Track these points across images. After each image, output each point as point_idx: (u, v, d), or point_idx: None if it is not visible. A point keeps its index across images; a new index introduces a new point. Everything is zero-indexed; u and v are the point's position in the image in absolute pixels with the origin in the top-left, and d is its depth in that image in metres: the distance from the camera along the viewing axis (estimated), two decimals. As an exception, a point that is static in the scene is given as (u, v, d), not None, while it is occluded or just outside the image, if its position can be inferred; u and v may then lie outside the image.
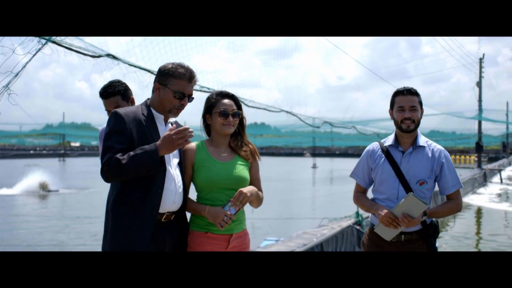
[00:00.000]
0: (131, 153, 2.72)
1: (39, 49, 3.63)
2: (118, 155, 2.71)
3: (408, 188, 3.37)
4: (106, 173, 2.74)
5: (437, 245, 3.49)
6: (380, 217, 3.32)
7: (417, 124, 3.45)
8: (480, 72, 37.05)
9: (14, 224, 16.46)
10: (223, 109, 3.09)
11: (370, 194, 3.65)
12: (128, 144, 2.77)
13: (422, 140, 3.49)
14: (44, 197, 24.67)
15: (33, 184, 26.17)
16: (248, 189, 3.02)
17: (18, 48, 3.55)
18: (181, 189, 2.96)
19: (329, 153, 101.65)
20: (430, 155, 3.44)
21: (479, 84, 36.69)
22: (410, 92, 3.46)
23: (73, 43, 5.17)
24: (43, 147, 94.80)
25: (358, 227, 9.85)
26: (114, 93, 3.64)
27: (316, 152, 77.69)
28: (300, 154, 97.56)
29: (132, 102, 3.67)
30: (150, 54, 7.41)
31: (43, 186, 26.17)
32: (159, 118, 2.94)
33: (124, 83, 3.69)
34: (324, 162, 64.54)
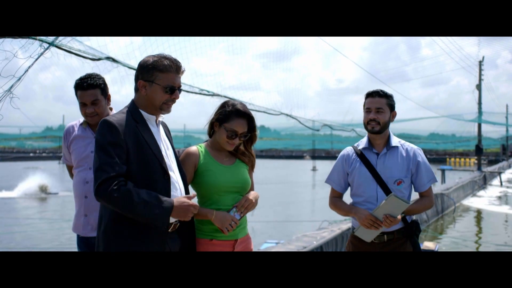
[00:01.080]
0: (145, 196, 2.48)
1: (42, 53, 3.63)
2: (130, 187, 2.47)
3: (386, 189, 3.42)
4: (105, 197, 2.45)
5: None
6: (361, 220, 3.36)
7: (383, 125, 3.48)
8: (480, 74, 37.03)
9: (14, 227, 16.44)
10: (232, 130, 2.99)
11: (347, 199, 3.66)
12: (125, 157, 2.54)
13: (395, 141, 3.55)
14: (43, 200, 24.65)
15: (32, 186, 26.17)
16: (253, 195, 3.03)
17: (19, 51, 3.55)
18: (184, 194, 2.83)
19: (329, 155, 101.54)
20: (404, 154, 3.50)
21: (478, 87, 36.68)
22: (379, 94, 3.51)
23: (73, 46, 5.18)
24: (43, 150, 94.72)
25: (358, 230, 9.84)
26: (94, 85, 3.38)
27: (316, 155, 77.67)
28: (300, 156, 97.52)
29: (108, 99, 3.48)
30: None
31: (43, 189, 26.17)
32: (150, 119, 2.73)
33: (103, 78, 3.47)
34: (324, 165, 64.38)
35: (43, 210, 21.91)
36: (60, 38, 4.00)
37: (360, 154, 3.57)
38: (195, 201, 2.94)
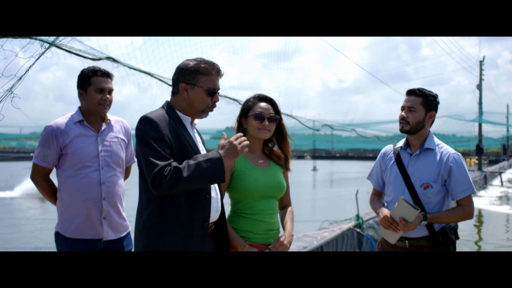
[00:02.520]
0: (191, 161, 2.47)
1: (43, 53, 3.61)
2: (175, 164, 2.45)
3: (413, 192, 3.33)
4: (163, 186, 2.43)
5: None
6: (380, 219, 3.33)
7: (413, 125, 3.37)
8: (481, 74, 37.00)
9: (14, 227, 16.43)
10: (258, 112, 2.97)
11: None
12: (170, 152, 2.52)
13: (432, 143, 3.42)
14: (44, 200, 24.62)
15: (33, 186, 25.94)
16: (288, 240, 2.96)
17: (19, 51, 3.54)
18: (220, 196, 2.80)
19: (330, 155, 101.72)
20: (438, 158, 3.35)
21: (479, 87, 36.65)
22: (415, 93, 3.40)
23: (73, 46, 5.18)
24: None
25: (358, 230, 9.83)
26: (111, 76, 3.40)
27: (316, 155, 77.65)
28: (300, 156, 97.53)
29: None
30: (150, 57, 7.43)
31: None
32: (186, 121, 2.71)
33: None
34: (324, 165, 64.52)
35: (41, 210, 21.90)
36: (61, 38, 3.99)
37: (396, 153, 3.49)
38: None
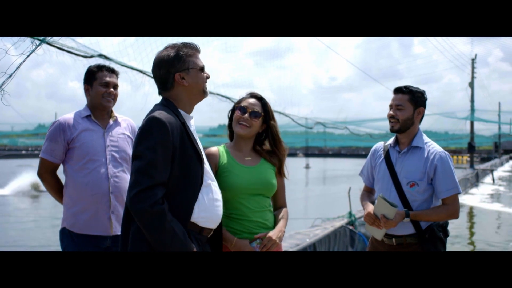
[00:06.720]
0: (177, 229, 2.35)
1: (33, 50, 3.59)
2: (165, 207, 2.34)
3: (400, 189, 3.35)
4: (139, 211, 2.32)
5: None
6: (364, 216, 3.37)
7: (403, 123, 3.37)
8: (473, 72, 37.21)
9: (5, 225, 16.35)
10: (243, 104, 2.96)
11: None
12: (171, 160, 2.40)
13: (420, 141, 3.41)
14: (36, 198, 24.52)
15: (25, 184, 25.97)
16: (277, 235, 2.89)
17: (11, 48, 3.52)
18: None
19: (322, 153, 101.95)
20: (425, 156, 3.35)
21: (471, 85, 36.85)
22: (400, 91, 3.41)
23: (65, 43, 5.15)
24: (35, 147, 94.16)
25: (351, 227, 9.86)
26: (117, 73, 3.48)
27: (309, 153, 77.80)
28: (293, 154, 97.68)
29: None
30: (143, 54, 7.38)
31: (35, 187, 25.97)
32: (188, 119, 2.60)
33: None
34: (317, 162, 64.63)
35: (33, 208, 21.80)
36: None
37: (386, 151, 3.50)
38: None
